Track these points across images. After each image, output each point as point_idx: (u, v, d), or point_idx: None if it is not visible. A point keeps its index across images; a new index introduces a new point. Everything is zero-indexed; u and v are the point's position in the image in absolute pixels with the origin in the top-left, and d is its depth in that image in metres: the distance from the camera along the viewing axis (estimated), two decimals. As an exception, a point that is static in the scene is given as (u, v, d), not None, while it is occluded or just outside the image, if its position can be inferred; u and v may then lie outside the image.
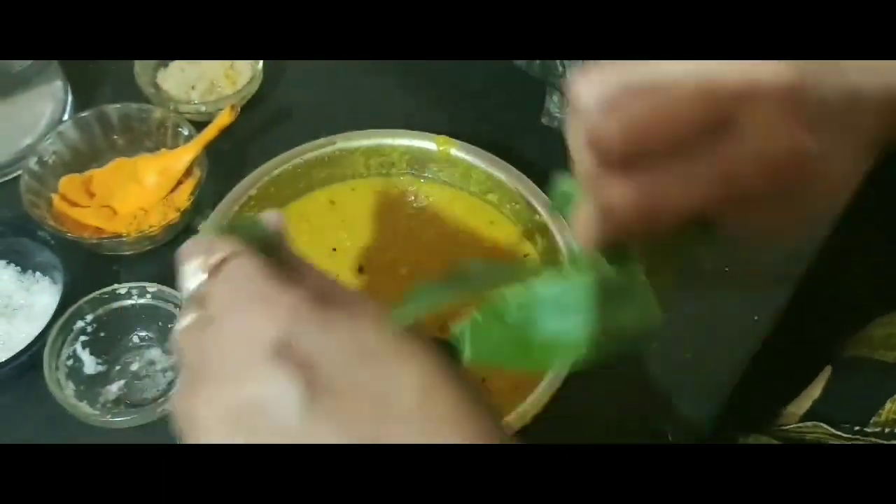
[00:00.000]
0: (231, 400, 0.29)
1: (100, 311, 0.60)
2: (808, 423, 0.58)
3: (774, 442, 0.57)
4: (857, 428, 0.55)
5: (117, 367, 0.60)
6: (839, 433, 0.55)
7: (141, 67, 0.73)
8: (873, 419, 0.55)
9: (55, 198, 0.65)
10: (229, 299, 0.31)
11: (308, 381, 0.28)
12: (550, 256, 0.61)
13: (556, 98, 0.76)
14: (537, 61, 0.69)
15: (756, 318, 0.66)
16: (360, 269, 0.62)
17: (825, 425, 0.56)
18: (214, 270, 0.32)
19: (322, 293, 0.31)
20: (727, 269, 0.69)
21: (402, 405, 0.29)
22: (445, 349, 0.37)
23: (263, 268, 0.31)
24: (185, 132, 0.67)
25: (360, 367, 0.29)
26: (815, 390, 0.61)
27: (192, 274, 0.32)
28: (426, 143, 0.65)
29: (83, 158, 0.68)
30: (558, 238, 0.60)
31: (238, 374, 0.29)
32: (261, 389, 0.28)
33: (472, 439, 0.29)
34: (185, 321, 0.32)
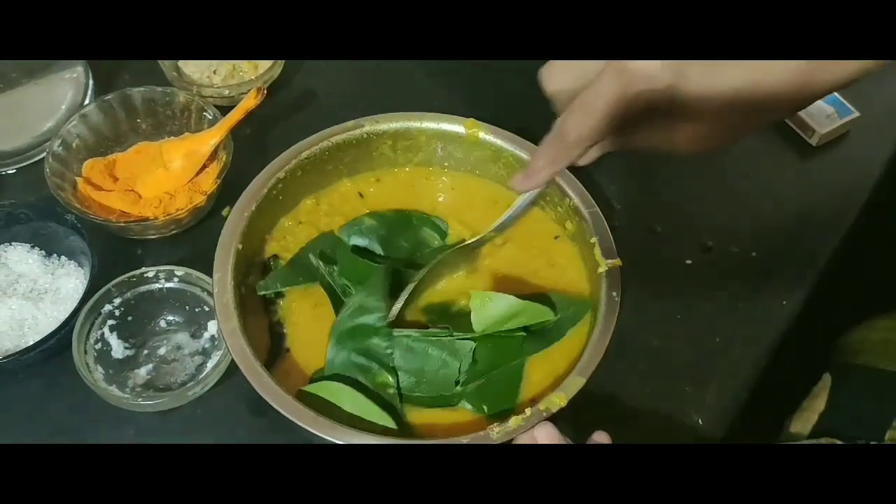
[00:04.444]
0: None
1: (127, 294, 0.59)
2: (822, 440, 0.57)
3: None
4: (873, 444, 0.54)
5: (145, 352, 0.59)
6: None
7: (162, 51, 0.72)
8: (888, 434, 0.55)
9: (80, 181, 0.64)
10: None
11: None
12: (581, 239, 0.60)
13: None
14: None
15: (784, 302, 0.66)
16: None
17: (839, 441, 0.56)
18: None
19: None
20: (754, 253, 0.69)
21: None
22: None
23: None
24: (210, 116, 0.66)
25: None
26: (819, 402, 0.61)
27: None
28: (454, 126, 0.64)
29: (107, 142, 0.67)
30: (589, 221, 0.60)
31: None
32: None
33: None
34: None
